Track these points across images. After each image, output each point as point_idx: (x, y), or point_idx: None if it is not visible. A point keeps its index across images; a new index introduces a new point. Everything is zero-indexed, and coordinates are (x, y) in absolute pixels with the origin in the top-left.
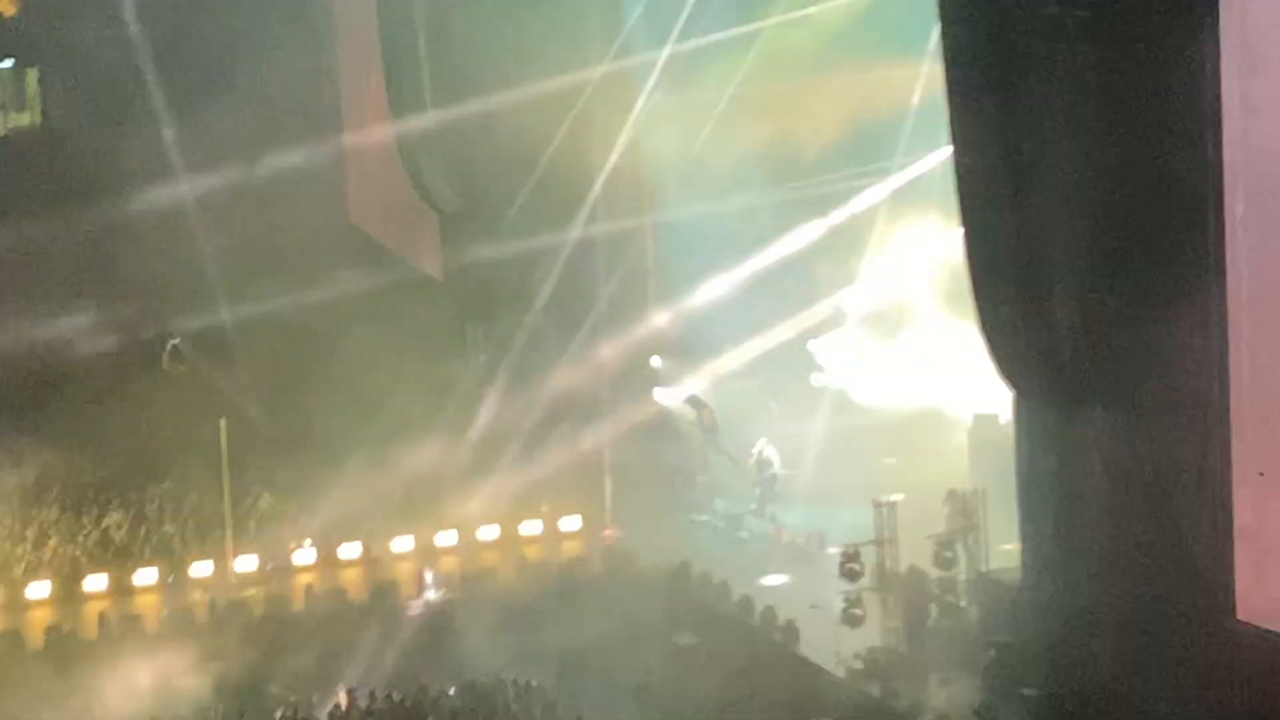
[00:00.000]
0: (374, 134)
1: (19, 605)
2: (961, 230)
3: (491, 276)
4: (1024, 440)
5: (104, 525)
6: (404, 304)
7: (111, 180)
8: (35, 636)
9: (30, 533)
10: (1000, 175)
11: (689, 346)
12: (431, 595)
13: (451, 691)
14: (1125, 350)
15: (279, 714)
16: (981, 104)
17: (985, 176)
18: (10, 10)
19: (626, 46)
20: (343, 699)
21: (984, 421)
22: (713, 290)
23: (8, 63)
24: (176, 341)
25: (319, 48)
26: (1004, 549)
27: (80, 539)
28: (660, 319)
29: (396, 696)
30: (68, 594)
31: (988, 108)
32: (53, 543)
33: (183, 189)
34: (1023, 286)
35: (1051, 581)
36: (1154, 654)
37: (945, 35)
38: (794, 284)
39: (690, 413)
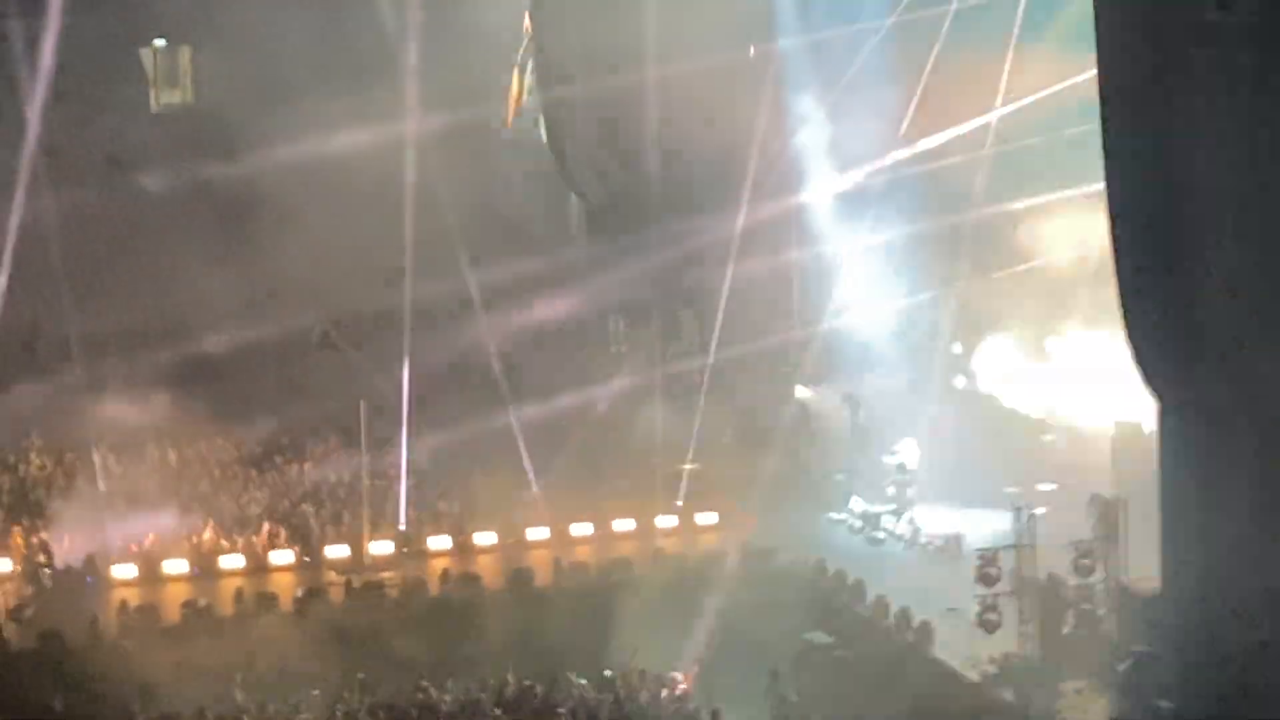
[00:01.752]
0: (523, 125)
1: (156, 579)
2: (1110, 237)
3: (634, 268)
4: (1167, 450)
5: (243, 503)
6: (546, 294)
7: (262, 157)
8: (171, 611)
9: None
10: (1152, 183)
11: (833, 343)
12: (565, 584)
13: (583, 681)
14: (1273, 361)
15: (410, 697)
16: (1136, 112)
17: (1137, 184)
18: None
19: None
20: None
21: (1127, 430)
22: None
23: (161, 42)
24: (326, 328)
25: (468, 40)
26: (1144, 559)
27: (220, 517)
28: (804, 316)
29: (528, 684)
30: (205, 570)
31: (1142, 116)
32: (193, 519)
33: (332, 171)
34: (1171, 295)
35: (1191, 593)
36: None
37: (1099, 43)
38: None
39: (841, 410)
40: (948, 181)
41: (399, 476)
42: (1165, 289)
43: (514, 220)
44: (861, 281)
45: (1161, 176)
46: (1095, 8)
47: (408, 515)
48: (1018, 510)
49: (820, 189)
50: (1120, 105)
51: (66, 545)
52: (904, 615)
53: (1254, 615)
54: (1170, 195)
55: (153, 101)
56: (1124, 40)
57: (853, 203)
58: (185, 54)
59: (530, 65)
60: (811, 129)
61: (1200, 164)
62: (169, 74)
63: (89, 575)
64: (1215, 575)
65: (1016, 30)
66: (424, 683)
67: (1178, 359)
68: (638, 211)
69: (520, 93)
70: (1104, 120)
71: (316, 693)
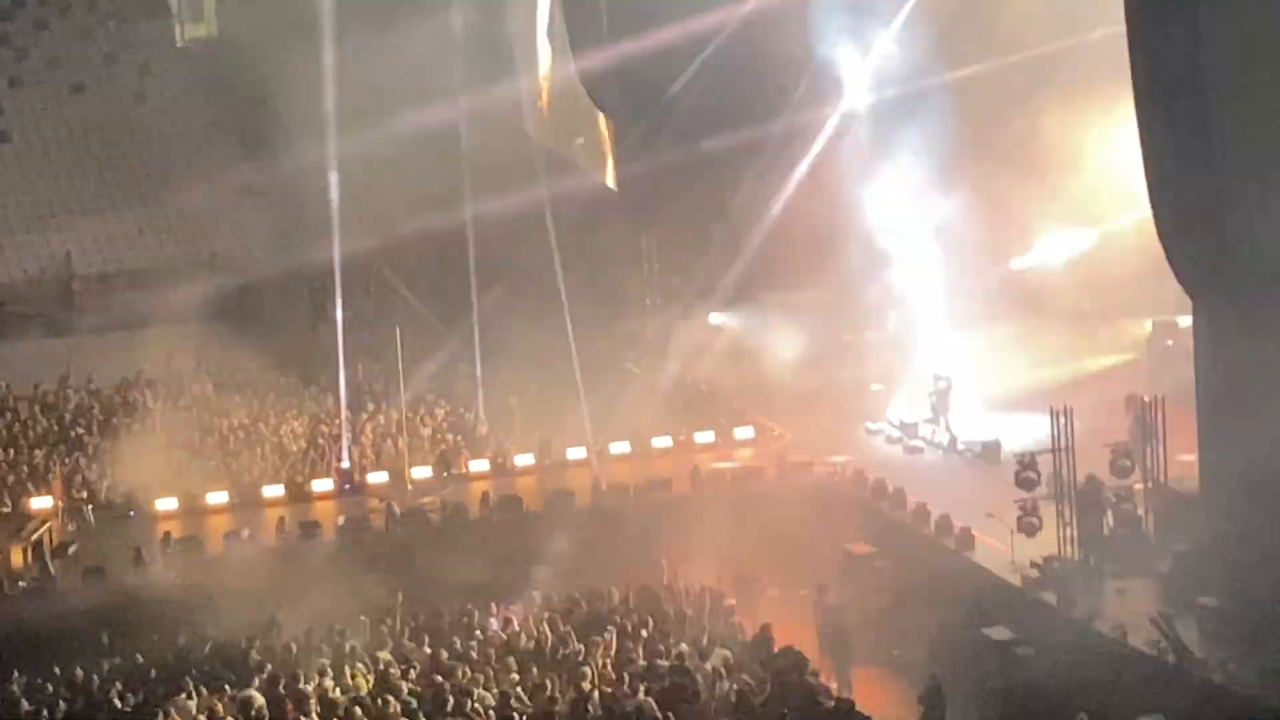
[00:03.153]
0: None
1: (198, 510)
2: (1138, 135)
3: (663, 184)
4: (1202, 347)
5: (282, 433)
6: (579, 213)
7: (288, 95)
8: (214, 542)
9: (212, 439)
10: (1179, 78)
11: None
12: (604, 503)
13: (618, 595)
14: None
15: (454, 620)
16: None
17: (1164, 76)
18: None
19: None
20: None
21: (1163, 329)
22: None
23: None
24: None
25: None
26: (1182, 458)
27: (260, 447)
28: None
29: (576, 597)
30: (246, 499)
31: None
32: (232, 446)
33: (359, 107)
34: (1201, 191)
35: (1230, 491)
36: None
37: None
38: None
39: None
40: (978, 92)
41: (436, 401)
42: (1195, 185)
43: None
44: (897, 185)
45: (1189, 70)
46: None
47: (446, 440)
48: (1054, 414)
49: (854, 101)
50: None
51: (108, 480)
52: (944, 522)
53: None
54: (1198, 89)
55: (178, 37)
56: None
57: (887, 114)
58: None
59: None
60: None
61: (1229, 56)
62: (194, 8)
63: (131, 510)
64: (1253, 472)
65: None
66: (469, 605)
67: (1210, 255)
68: (663, 129)
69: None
70: (1129, 15)
71: (364, 619)
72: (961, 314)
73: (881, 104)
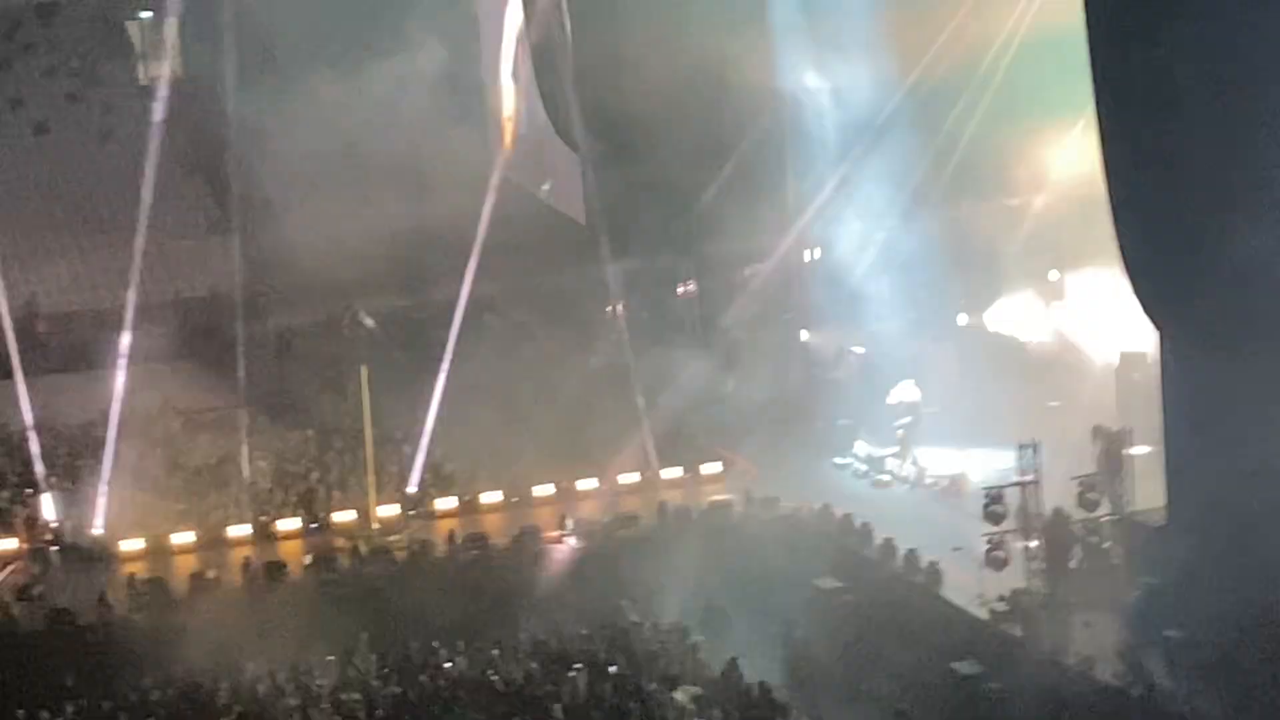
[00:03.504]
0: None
1: (164, 551)
2: (1102, 170)
3: (632, 219)
4: (1168, 379)
5: (248, 472)
6: (547, 247)
7: (251, 132)
8: (180, 583)
9: (178, 479)
10: (1142, 108)
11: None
12: (573, 540)
13: (588, 634)
14: (1273, 290)
15: (422, 659)
16: (1126, 34)
17: (1128, 114)
18: None
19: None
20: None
21: (1131, 360)
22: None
23: (147, 14)
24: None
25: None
26: (1149, 491)
27: (227, 487)
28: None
29: (541, 639)
30: (210, 541)
31: (1132, 39)
32: (198, 486)
33: (324, 141)
34: (1165, 223)
35: (1198, 523)
36: None
37: None
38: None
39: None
40: (940, 113)
41: (404, 439)
42: (1159, 217)
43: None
44: (856, 214)
45: (1152, 100)
46: None
47: (412, 478)
48: (1022, 447)
49: (814, 129)
50: (1108, 28)
51: (73, 522)
52: (912, 557)
53: (1258, 543)
54: (1162, 120)
55: (140, 74)
56: None
57: (847, 138)
58: (172, 27)
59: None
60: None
61: (1194, 91)
62: (156, 46)
63: (96, 551)
64: (1220, 504)
65: None
66: (435, 644)
67: (1175, 287)
68: (630, 166)
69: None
70: (1091, 46)
71: (332, 658)
72: (928, 351)
73: (844, 135)
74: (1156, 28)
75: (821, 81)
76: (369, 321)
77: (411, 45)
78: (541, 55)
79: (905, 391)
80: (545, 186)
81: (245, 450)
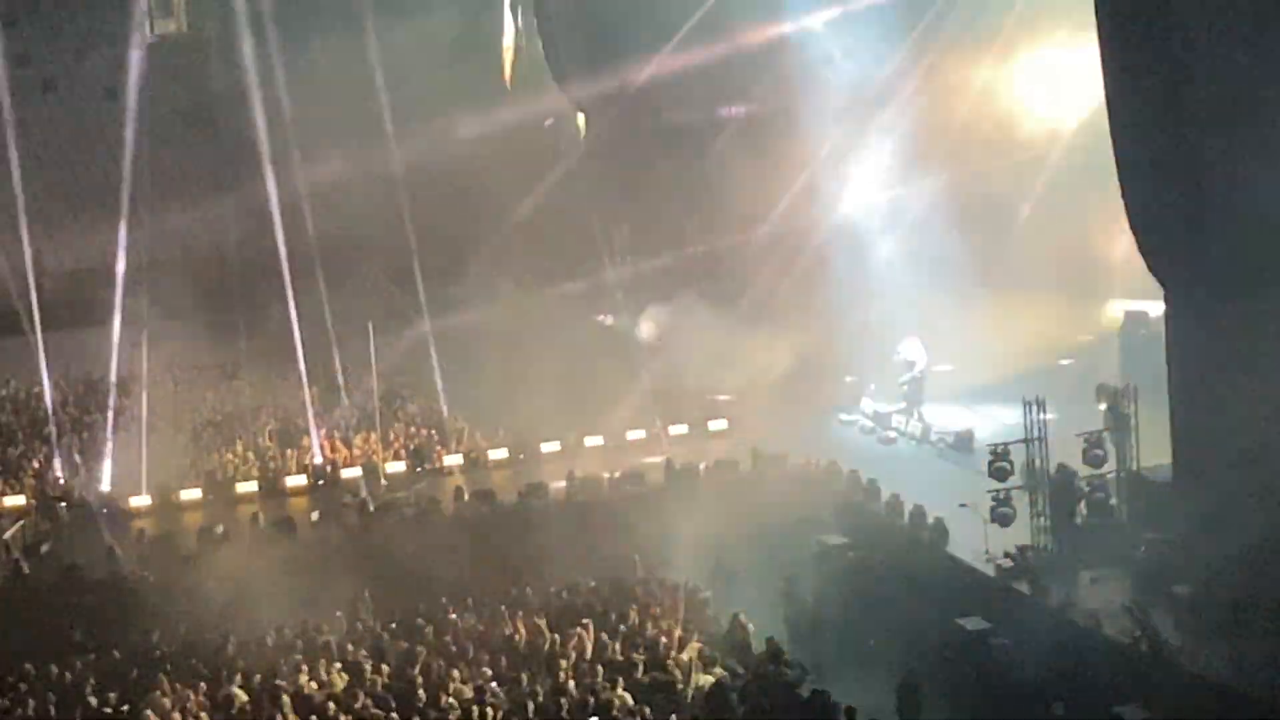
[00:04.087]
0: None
1: (172, 507)
2: (1109, 122)
3: (632, 171)
4: (1174, 335)
5: (255, 429)
6: (551, 205)
7: (258, 89)
8: (188, 539)
9: (185, 436)
10: (1153, 64)
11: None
12: (580, 496)
13: (594, 588)
14: (1276, 242)
15: (429, 615)
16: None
17: (1137, 65)
18: None
19: None
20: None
21: (1135, 318)
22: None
23: None
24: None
25: None
26: (1156, 446)
27: (234, 443)
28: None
29: (551, 591)
30: (220, 496)
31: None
32: (205, 442)
33: (327, 104)
34: (1174, 178)
35: (1202, 479)
36: None
37: None
38: None
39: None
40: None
41: (411, 396)
42: (1167, 174)
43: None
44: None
45: (1161, 58)
46: None
47: (421, 433)
48: (1027, 404)
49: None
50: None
51: (82, 478)
52: (918, 513)
53: (1265, 497)
54: (1172, 77)
55: (148, 31)
56: None
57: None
58: None
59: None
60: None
61: (1202, 45)
62: (163, 3)
63: (104, 507)
64: (1225, 459)
65: None
66: (443, 599)
67: (1181, 243)
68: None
69: (516, 46)
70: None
71: (339, 614)
72: (937, 302)
73: (853, 89)
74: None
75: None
76: (370, 276)
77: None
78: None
79: (910, 348)
80: (548, 122)
81: (251, 407)
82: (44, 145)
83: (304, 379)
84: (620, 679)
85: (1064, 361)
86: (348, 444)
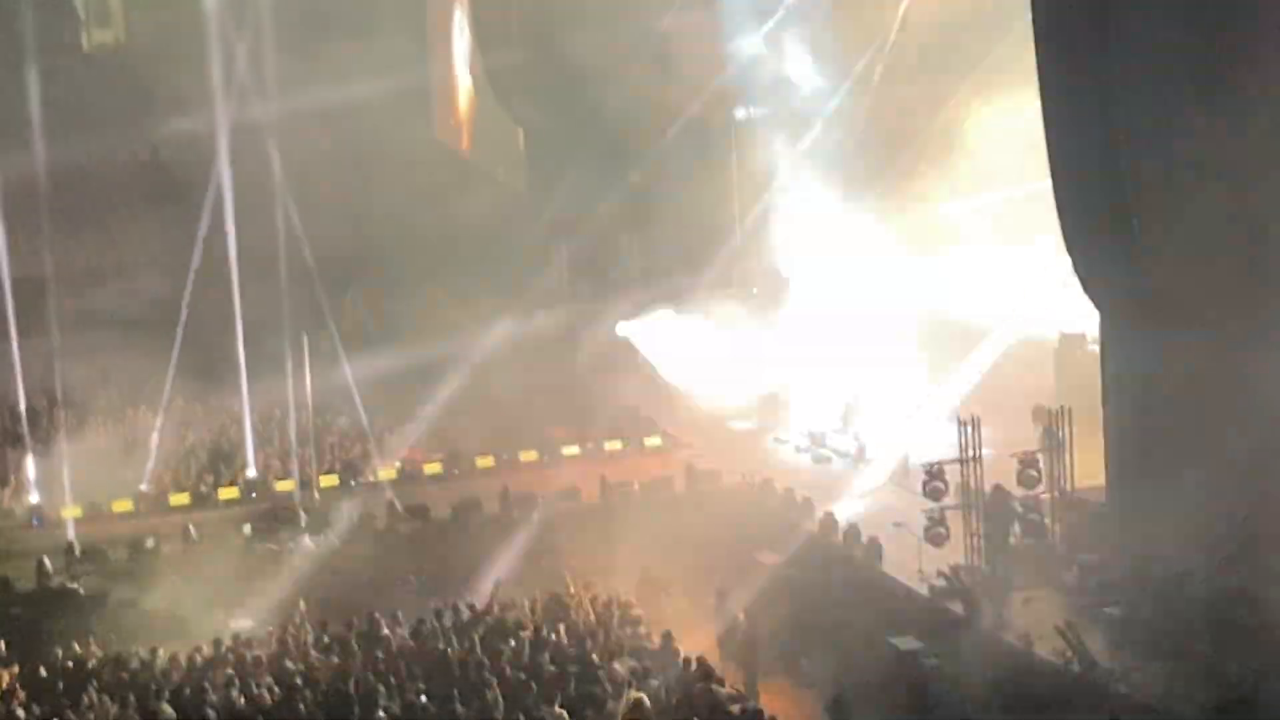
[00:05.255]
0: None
1: (104, 519)
2: (1046, 144)
3: (573, 193)
4: (1108, 357)
5: (189, 442)
6: (492, 219)
7: (194, 98)
8: (119, 551)
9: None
10: (1087, 88)
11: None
12: (514, 513)
13: (527, 604)
14: (1212, 269)
15: (360, 627)
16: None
17: (1072, 92)
18: None
19: None
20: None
21: (1070, 341)
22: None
23: None
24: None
25: None
26: (1090, 468)
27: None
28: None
29: (478, 608)
30: (150, 509)
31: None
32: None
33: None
34: (1107, 202)
35: (1137, 500)
36: (1243, 572)
37: None
38: None
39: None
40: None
41: (343, 411)
42: (1102, 197)
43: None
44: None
45: (1096, 80)
46: None
47: (354, 448)
48: (961, 424)
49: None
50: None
51: (11, 488)
52: (852, 531)
53: (1197, 520)
54: (1106, 100)
55: (84, 42)
56: None
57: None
58: None
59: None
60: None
61: (1136, 66)
62: (100, 13)
63: (35, 518)
64: (1160, 482)
65: None
66: (375, 614)
67: (1115, 266)
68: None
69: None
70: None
71: (270, 629)
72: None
73: (791, 106)
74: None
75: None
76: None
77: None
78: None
79: (850, 366)
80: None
81: (187, 420)
82: None
83: (244, 391)
84: (553, 694)
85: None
86: (281, 457)
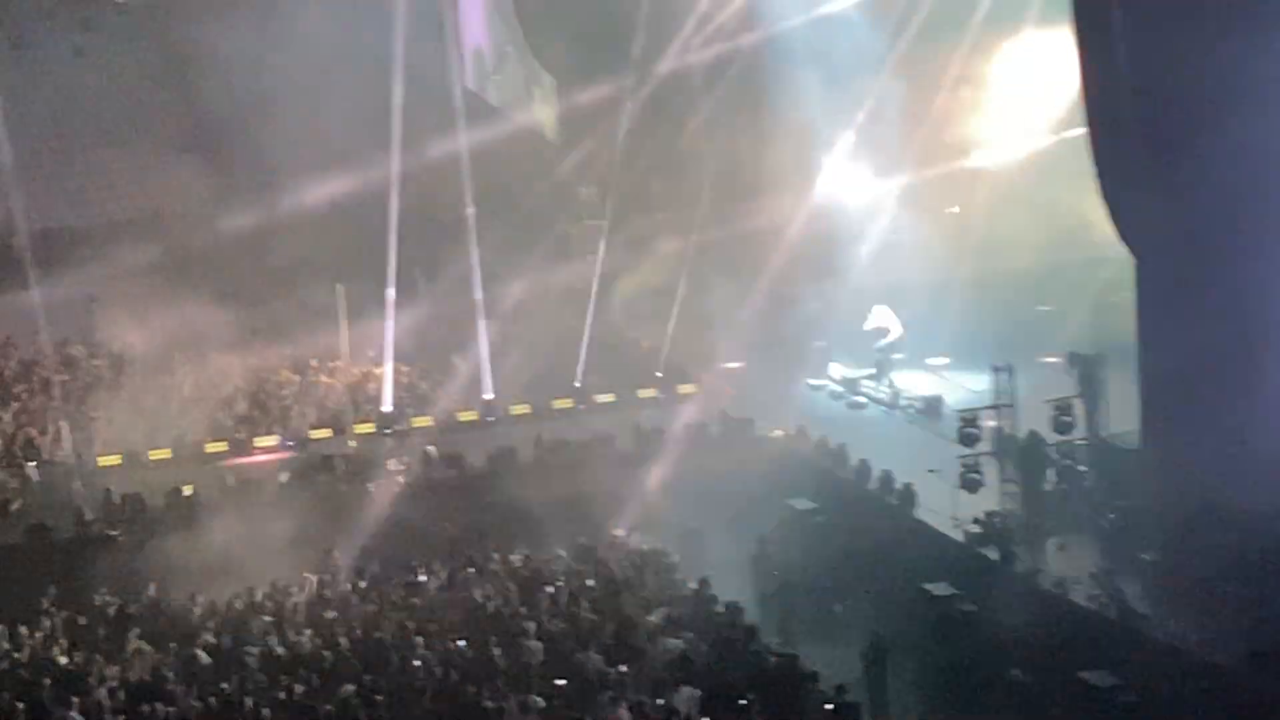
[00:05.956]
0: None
1: (142, 466)
2: (1082, 92)
3: (602, 141)
4: (1144, 305)
5: (225, 392)
6: (519, 166)
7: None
8: (157, 498)
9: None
10: (1119, 31)
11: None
12: (548, 459)
13: (563, 553)
14: (1248, 212)
15: (399, 578)
16: None
17: (1108, 34)
18: None
19: None
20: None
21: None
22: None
23: None
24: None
25: None
26: (1126, 413)
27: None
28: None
29: (516, 560)
30: (187, 457)
31: None
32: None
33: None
34: (1146, 145)
35: (1171, 447)
36: (1277, 517)
37: None
38: None
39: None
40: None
41: (379, 359)
42: (1140, 143)
43: None
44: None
45: (1127, 16)
46: None
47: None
48: (997, 370)
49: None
50: None
51: (50, 437)
52: (887, 478)
53: (1233, 466)
54: (1146, 53)
55: None
56: None
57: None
58: None
59: None
60: None
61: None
62: None
63: (74, 466)
64: (1194, 427)
65: None
66: (413, 562)
67: (1151, 213)
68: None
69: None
70: None
71: (309, 576)
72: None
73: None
74: None
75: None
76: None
77: None
78: None
79: (881, 315)
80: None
81: (224, 370)
82: (12, 103)
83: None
84: (590, 642)
85: (1042, 308)
86: (318, 406)
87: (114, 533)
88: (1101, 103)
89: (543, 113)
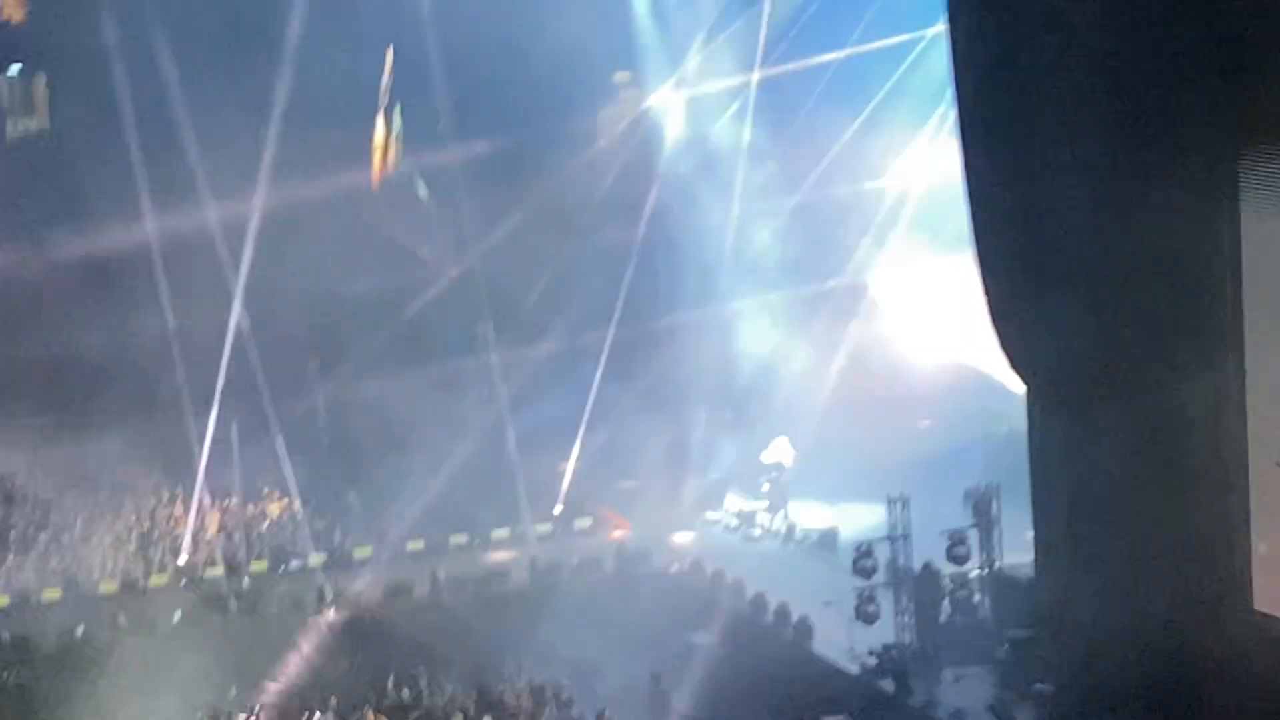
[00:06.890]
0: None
1: (32, 608)
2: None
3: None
4: (1036, 434)
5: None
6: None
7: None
8: (48, 641)
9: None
10: (1011, 163)
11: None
12: (443, 597)
13: (457, 691)
14: (1138, 342)
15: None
16: (991, 92)
17: (995, 163)
18: (19, 16)
19: None
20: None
21: (999, 415)
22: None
23: (15, 68)
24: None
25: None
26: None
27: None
28: None
29: (407, 696)
30: (81, 596)
31: (998, 97)
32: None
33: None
34: (1035, 276)
35: (1065, 576)
36: (1171, 647)
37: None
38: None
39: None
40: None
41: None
42: (1027, 270)
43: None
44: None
45: (1020, 157)
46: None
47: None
48: (891, 502)
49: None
50: (974, 82)
51: None
52: (782, 611)
53: (1126, 595)
54: (1031, 177)
55: (9, 130)
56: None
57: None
58: (41, 81)
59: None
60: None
61: (1059, 144)
62: (25, 101)
63: None
64: (1088, 555)
65: None
66: (309, 702)
67: (1043, 341)
68: None
69: (387, 143)
70: (958, 99)
71: (200, 714)
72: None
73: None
74: (1024, 98)
75: None
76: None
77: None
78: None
79: (778, 449)
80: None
81: (115, 508)
82: None
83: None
84: None
85: (923, 423)
86: (211, 543)
87: (2, 676)
88: (991, 230)
89: None
